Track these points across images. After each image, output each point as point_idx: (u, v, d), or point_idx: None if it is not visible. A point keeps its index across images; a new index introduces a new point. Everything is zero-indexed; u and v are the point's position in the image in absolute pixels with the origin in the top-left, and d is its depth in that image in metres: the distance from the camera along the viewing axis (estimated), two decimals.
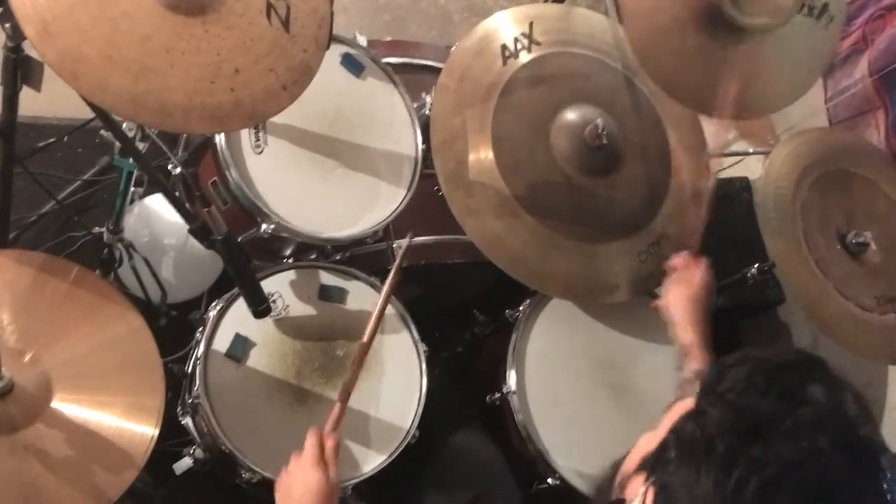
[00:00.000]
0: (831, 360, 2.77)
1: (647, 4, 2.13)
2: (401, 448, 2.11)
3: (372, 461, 2.09)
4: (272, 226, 2.13)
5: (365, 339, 1.87)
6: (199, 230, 1.78)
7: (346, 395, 1.84)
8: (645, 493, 1.14)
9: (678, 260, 2.16)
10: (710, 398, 1.10)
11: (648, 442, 1.23)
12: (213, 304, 2.16)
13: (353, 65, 2.37)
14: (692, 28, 2.12)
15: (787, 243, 2.22)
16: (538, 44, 2.28)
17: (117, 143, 1.82)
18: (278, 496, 1.72)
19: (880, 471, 1.06)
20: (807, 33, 2.24)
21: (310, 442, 1.74)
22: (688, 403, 1.16)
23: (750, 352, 1.16)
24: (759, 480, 1.01)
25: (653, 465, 1.17)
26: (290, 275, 2.23)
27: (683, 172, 2.43)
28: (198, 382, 2.02)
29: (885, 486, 1.06)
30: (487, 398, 2.38)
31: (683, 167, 2.43)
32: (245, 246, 1.95)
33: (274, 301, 2.11)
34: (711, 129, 2.48)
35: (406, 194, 2.31)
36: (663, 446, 1.15)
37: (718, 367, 1.15)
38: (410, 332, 2.27)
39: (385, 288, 1.95)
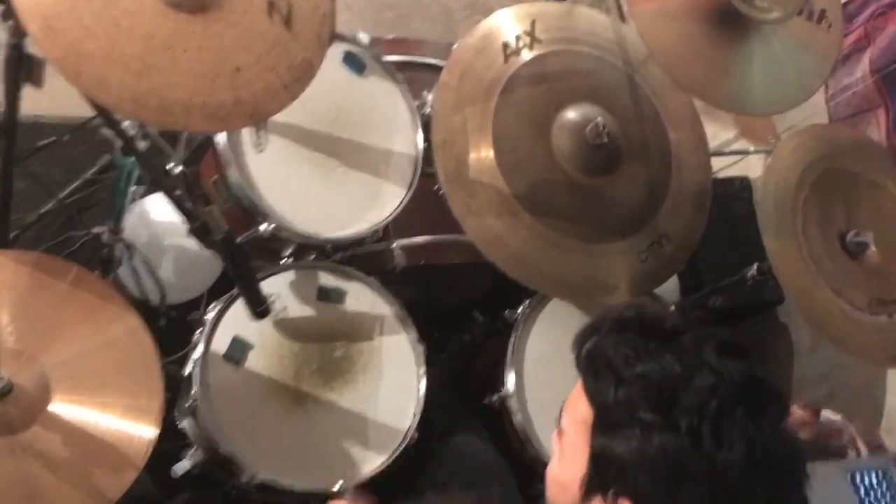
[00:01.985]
0: (831, 359, 2.77)
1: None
2: (400, 449, 2.11)
3: (371, 462, 2.09)
4: (272, 225, 2.13)
5: None
6: (200, 230, 1.77)
7: None
8: None
9: None
10: (604, 387, 1.18)
11: (558, 471, 1.28)
12: (212, 305, 2.16)
13: (354, 63, 2.36)
14: (702, 23, 2.14)
15: (786, 243, 2.21)
16: (540, 42, 2.27)
17: (118, 142, 1.82)
18: None
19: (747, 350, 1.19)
20: (809, 36, 2.25)
21: None
22: (579, 413, 1.23)
23: (587, 332, 1.27)
24: (706, 417, 1.08)
25: (598, 481, 1.19)
26: (290, 275, 2.22)
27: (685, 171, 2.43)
28: (196, 384, 2.01)
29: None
30: (486, 399, 2.37)
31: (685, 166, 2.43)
32: (245, 246, 1.95)
33: (273, 302, 2.10)
34: (712, 128, 2.48)
35: (406, 193, 2.30)
36: (598, 460, 1.18)
37: (587, 361, 1.24)
38: (409, 333, 2.26)
39: None
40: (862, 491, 2.37)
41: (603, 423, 1.18)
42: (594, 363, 1.22)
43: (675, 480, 1.10)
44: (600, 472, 1.18)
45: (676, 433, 1.09)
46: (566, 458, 1.25)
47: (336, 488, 1.99)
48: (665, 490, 1.11)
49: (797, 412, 2.23)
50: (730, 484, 1.08)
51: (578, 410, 1.22)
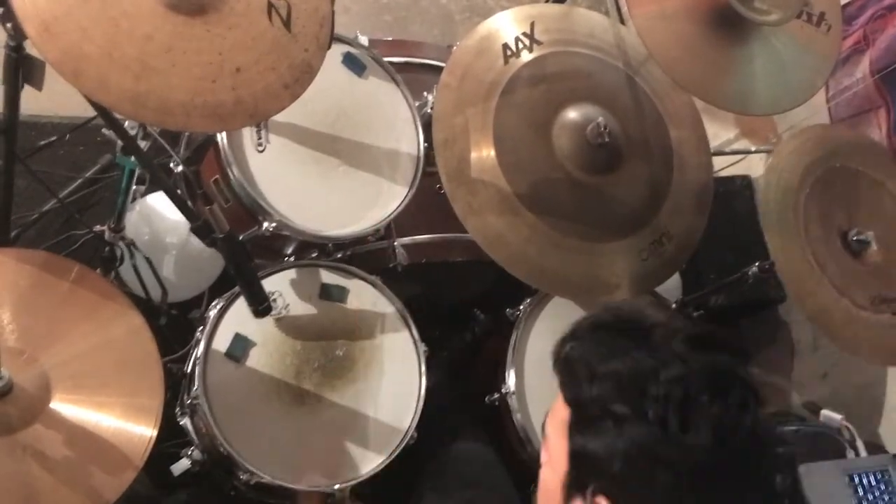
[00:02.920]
0: (832, 358, 2.77)
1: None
2: (399, 448, 2.11)
3: (370, 462, 2.09)
4: (274, 224, 2.14)
5: None
6: (201, 228, 1.78)
7: None
8: None
9: None
10: (578, 386, 1.19)
11: (547, 478, 1.28)
12: (214, 302, 2.16)
13: (354, 64, 2.37)
14: (701, 24, 2.14)
15: (787, 241, 2.22)
16: (539, 43, 2.27)
17: (119, 142, 1.82)
18: None
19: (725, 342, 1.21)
20: (808, 37, 2.26)
21: None
22: (557, 416, 1.24)
23: (565, 338, 1.28)
24: (672, 405, 1.10)
25: (577, 480, 1.20)
26: (291, 273, 2.23)
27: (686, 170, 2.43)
28: (197, 382, 2.01)
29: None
30: (487, 398, 2.38)
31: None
32: (246, 244, 1.95)
33: (274, 300, 2.10)
34: (713, 128, 2.49)
35: (408, 192, 2.31)
36: (575, 458, 1.20)
37: (562, 363, 1.25)
38: (410, 332, 2.27)
39: None
40: (860, 491, 2.37)
41: (579, 421, 1.20)
42: (569, 364, 1.24)
43: (648, 469, 1.11)
44: (578, 471, 1.19)
45: (646, 423, 1.10)
46: (551, 462, 1.26)
47: (337, 487, 2.00)
48: (639, 480, 1.12)
49: None
50: (700, 465, 1.10)
51: (557, 414, 1.24)
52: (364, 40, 2.40)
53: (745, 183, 3.23)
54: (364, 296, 2.28)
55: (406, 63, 2.58)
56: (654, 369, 1.13)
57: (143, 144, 1.88)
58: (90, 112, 1.65)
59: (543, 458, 1.31)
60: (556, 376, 1.26)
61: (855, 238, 2.30)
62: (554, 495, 1.24)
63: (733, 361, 1.18)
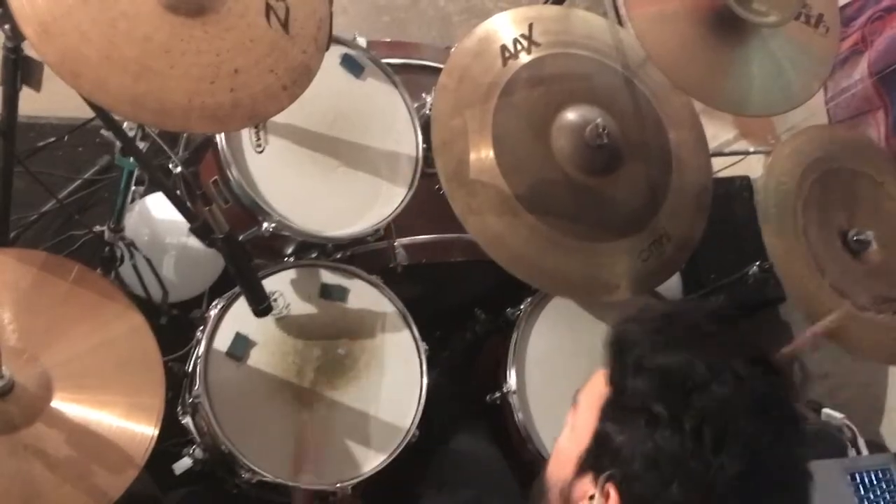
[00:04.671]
0: (832, 358, 2.75)
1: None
2: (401, 447, 2.11)
3: (372, 461, 2.09)
4: (273, 224, 2.14)
5: None
6: (201, 229, 1.78)
7: None
8: (603, 490, 1.16)
9: None
10: (625, 371, 1.17)
11: (565, 444, 1.28)
12: (215, 302, 2.17)
13: (352, 65, 2.37)
14: (700, 26, 2.15)
15: (787, 241, 2.22)
16: (537, 45, 2.28)
17: (118, 143, 1.83)
18: None
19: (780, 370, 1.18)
20: (806, 39, 2.26)
21: None
22: (595, 389, 1.23)
23: (629, 317, 1.25)
24: (712, 422, 1.08)
25: (594, 460, 1.20)
26: (291, 273, 2.23)
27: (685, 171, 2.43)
28: (198, 382, 2.02)
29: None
30: (488, 397, 2.38)
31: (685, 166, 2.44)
32: (246, 245, 1.95)
33: (275, 300, 2.11)
34: (711, 129, 2.49)
35: (407, 193, 2.31)
36: (600, 440, 1.19)
37: (615, 340, 1.23)
38: (411, 332, 2.27)
39: None
40: (862, 490, 2.37)
41: (614, 406, 1.18)
42: (621, 344, 1.21)
43: (667, 477, 1.10)
44: (598, 453, 1.18)
45: (679, 431, 1.08)
46: (575, 431, 1.25)
47: (338, 486, 2.00)
48: (654, 484, 1.11)
49: None
50: (720, 488, 1.08)
51: (596, 387, 1.22)
52: (362, 42, 2.40)
53: (744, 184, 3.24)
54: (365, 295, 2.28)
55: (404, 64, 2.58)
56: (704, 379, 1.11)
57: (141, 145, 1.89)
58: (89, 113, 1.65)
59: (568, 420, 1.31)
60: (607, 352, 1.24)
61: (855, 238, 2.30)
62: (567, 462, 1.23)
63: (785, 392, 1.16)
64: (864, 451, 2.51)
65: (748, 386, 1.11)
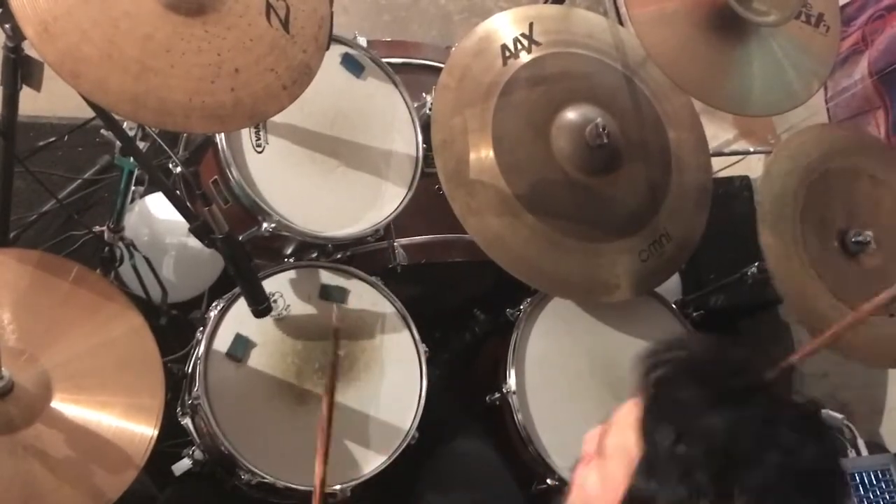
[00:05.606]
0: (831, 358, 2.74)
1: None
2: (400, 449, 2.11)
3: (372, 462, 2.09)
4: (273, 224, 2.14)
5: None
6: (200, 229, 1.78)
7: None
8: None
9: None
10: (663, 432, 1.08)
11: (594, 492, 1.18)
12: (214, 303, 2.16)
13: (353, 65, 2.37)
14: (700, 25, 2.15)
15: (783, 242, 2.21)
16: (538, 44, 2.28)
17: (118, 143, 1.82)
18: None
19: (829, 431, 1.10)
20: (807, 38, 2.26)
21: None
22: (627, 435, 1.13)
23: (662, 349, 1.18)
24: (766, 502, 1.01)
25: None
26: (291, 274, 2.23)
27: (685, 171, 2.43)
28: (198, 382, 2.01)
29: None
30: (487, 398, 2.38)
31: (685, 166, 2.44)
32: (246, 245, 1.95)
33: (275, 300, 2.10)
34: (711, 129, 2.49)
35: (407, 193, 2.31)
36: (638, 501, 1.09)
37: (655, 384, 1.14)
38: (411, 333, 2.27)
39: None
40: (862, 490, 2.37)
41: (650, 467, 1.08)
42: (659, 399, 1.13)
43: None
44: None
45: None
46: (603, 478, 1.17)
47: (338, 488, 2.00)
48: None
49: None
50: None
51: (627, 437, 1.13)
52: (363, 41, 2.40)
53: (744, 184, 3.24)
54: (364, 296, 2.27)
55: (405, 64, 2.58)
56: (755, 451, 1.03)
57: (141, 145, 1.89)
58: (89, 113, 1.65)
59: (589, 457, 1.22)
60: (642, 391, 1.16)
61: (854, 239, 2.30)
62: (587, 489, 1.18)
63: (837, 456, 1.10)
64: (864, 452, 2.51)
65: (799, 456, 1.04)
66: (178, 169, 2.29)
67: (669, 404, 1.10)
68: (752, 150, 3.18)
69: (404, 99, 2.41)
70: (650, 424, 1.10)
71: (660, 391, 1.13)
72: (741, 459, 1.02)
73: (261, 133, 2.21)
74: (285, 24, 1.66)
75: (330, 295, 2.24)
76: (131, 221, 2.48)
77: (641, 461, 1.09)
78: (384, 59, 2.44)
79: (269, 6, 1.64)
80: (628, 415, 1.15)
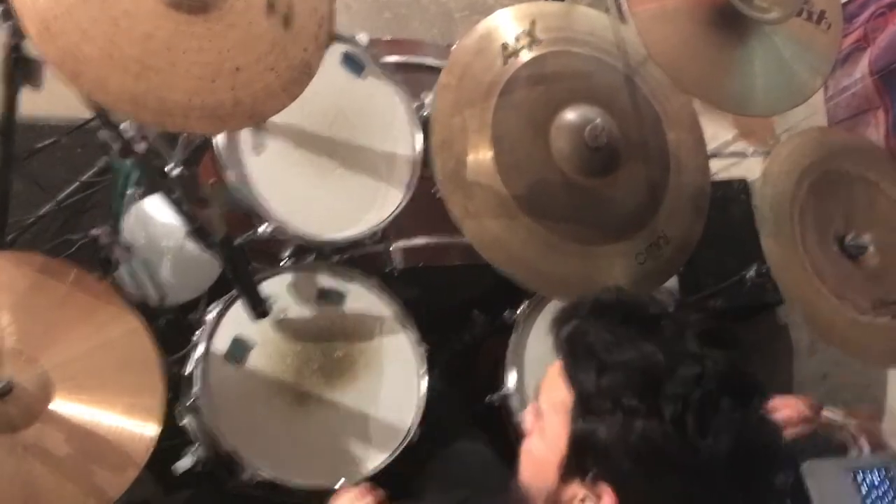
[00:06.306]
0: (831, 359, 2.75)
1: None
2: (401, 448, 2.12)
3: (372, 461, 2.10)
4: (271, 227, 2.13)
5: None
6: (198, 231, 1.78)
7: None
8: (594, 491, 1.17)
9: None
10: (586, 373, 1.18)
11: (539, 451, 1.27)
12: (213, 305, 2.16)
13: (353, 64, 2.36)
14: (701, 23, 2.14)
15: (783, 245, 2.21)
16: (539, 42, 2.27)
17: (116, 144, 1.82)
18: None
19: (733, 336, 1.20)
20: (808, 36, 2.26)
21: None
22: (557, 392, 1.22)
23: (567, 312, 1.26)
24: (691, 406, 1.09)
25: (577, 463, 1.19)
26: (289, 276, 2.23)
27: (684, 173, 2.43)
28: (197, 383, 2.01)
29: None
30: (487, 399, 2.37)
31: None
32: (244, 247, 1.95)
33: (273, 303, 2.10)
34: (710, 129, 2.48)
35: (405, 195, 2.30)
36: (578, 442, 1.18)
37: (567, 340, 1.24)
38: (409, 333, 2.27)
39: None
40: (864, 490, 2.36)
41: (584, 408, 1.18)
42: (574, 348, 1.22)
43: (657, 466, 1.11)
44: (580, 456, 1.18)
45: (660, 420, 1.09)
46: (544, 437, 1.25)
47: (338, 486, 2.00)
48: (647, 475, 1.12)
49: (801, 408, 2.22)
50: (715, 470, 1.09)
51: (557, 392, 1.22)
52: (364, 39, 2.38)
53: (741, 187, 3.24)
54: (363, 298, 2.27)
55: (405, 63, 2.57)
56: (668, 365, 1.12)
57: (140, 147, 1.88)
58: (87, 114, 1.65)
59: (531, 425, 1.31)
60: (558, 357, 1.25)
61: (852, 242, 2.30)
62: (546, 469, 1.23)
63: (745, 361, 1.17)
64: (866, 451, 2.50)
65: (710, 363, 1.13)
66: (177, 171, 2.28)
67: (585, 349, 1.19)
68: (750, 151, 3.17)
69: (404, 99, 2.40)
70: (573, 371, 1.21)
71: (574, 341, 1.22)
72: (659, 375, 1.11)
73: (259, 135, 2.20)
74: (286, 23, 1.66)
75: (328, 297, 2.24)
76: (129, 224, 2.48)
77: (574, 405, 1.19)
78: (384, 58, 2.43)
79: (270, 4, 1.64)
80: (553, 375, 1.25)
